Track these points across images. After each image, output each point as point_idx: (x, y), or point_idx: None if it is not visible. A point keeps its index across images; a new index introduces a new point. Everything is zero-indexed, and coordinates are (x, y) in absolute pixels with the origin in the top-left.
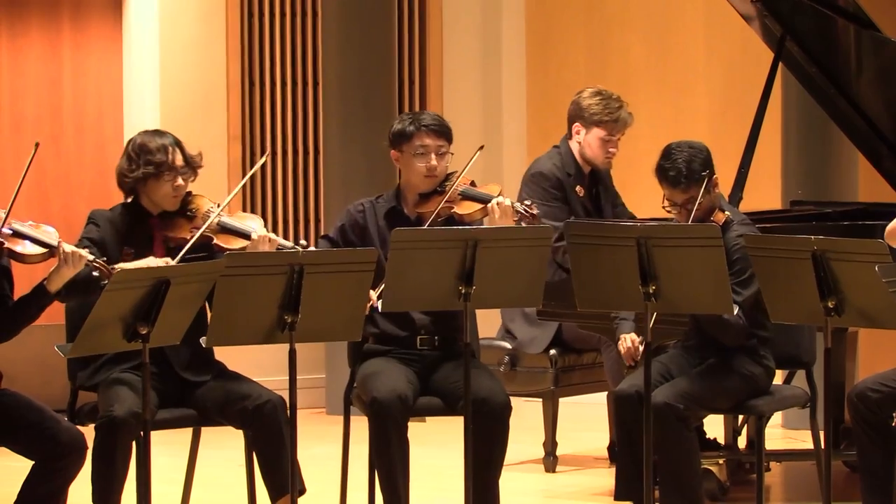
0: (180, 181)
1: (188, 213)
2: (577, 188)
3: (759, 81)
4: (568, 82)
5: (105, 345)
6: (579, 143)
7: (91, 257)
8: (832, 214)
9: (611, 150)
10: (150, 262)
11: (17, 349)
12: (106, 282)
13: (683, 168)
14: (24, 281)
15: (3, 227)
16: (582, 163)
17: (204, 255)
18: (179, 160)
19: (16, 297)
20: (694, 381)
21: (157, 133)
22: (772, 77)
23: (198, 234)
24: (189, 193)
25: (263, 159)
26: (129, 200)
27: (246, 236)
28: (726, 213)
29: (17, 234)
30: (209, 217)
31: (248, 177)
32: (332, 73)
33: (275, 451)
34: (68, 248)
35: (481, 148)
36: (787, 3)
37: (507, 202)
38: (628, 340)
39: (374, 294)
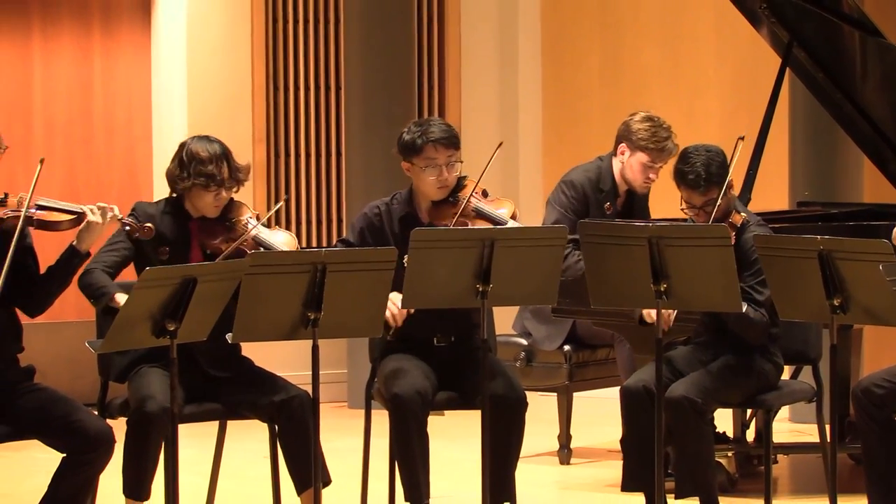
0: (223, 194)
1: (227, 221)
2: (607, 205)
3: (767, 84)
4: (582, 87)
5: (134, 341)
6: (622, 162)
7: (119, 214)
8: (838, 215)
9: (651, 176)
10: None
11: (49, 345)
12: (137, 235)
13: (702, 171)
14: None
15: (28, 206)
16: (620, 181)
17: None
18: (226, 173)
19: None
20: (710, 376)
21: (209, 140)
22: (779, 82)
23: (233, 246)
24: (231, 200)
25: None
26: (174, 196)
27: None
28: (742, 214)
29: (43, 208)
30: (247, 229)
31: (278, 189)
32: (353, 77)
33: (301, 445)
34: (99, 205)
35: (500, 145)
36: (793, 10)
37: None
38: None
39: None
